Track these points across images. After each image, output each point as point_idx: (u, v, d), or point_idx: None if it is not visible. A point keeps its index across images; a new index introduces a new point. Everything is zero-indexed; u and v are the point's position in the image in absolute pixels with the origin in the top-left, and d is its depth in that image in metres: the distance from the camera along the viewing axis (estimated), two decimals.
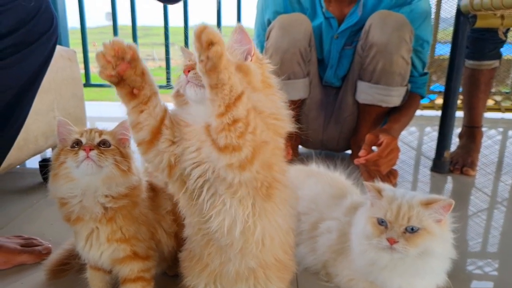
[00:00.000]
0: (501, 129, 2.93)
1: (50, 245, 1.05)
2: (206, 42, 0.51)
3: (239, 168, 0.59)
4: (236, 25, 0.65)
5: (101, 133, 0.77)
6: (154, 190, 0.86)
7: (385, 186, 0.88)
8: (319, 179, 1.13)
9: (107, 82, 0.62)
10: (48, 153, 1.80)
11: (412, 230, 0.78)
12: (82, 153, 0.73)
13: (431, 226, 0.79)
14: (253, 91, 0.61)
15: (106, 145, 0.76)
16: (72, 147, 0.75)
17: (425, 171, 1.89)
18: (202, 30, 0.51)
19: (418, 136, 2.66)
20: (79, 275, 0.89)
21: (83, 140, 0.76)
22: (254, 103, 0.59)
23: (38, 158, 1.61)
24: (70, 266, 0.93)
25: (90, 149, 0.73)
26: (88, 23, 3.13)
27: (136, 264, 0.80)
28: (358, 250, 0.85)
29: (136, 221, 0.79)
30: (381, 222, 0.81)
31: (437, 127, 2.83)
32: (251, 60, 0.64)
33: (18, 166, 1.70)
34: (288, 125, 0.66)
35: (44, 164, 1.54)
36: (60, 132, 0.78)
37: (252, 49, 0.64)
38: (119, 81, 0.61)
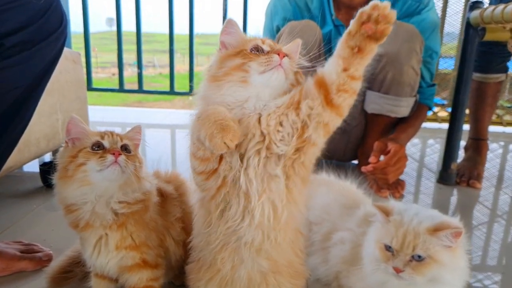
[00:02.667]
0: (502, 143, 2.93)
1: (51, 252, 1.02)
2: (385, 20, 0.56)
3: (325, 134, 0.65)
4: (298, 40, 0.77)
5: (121, 137, 0.75)
6: (162, 195, 0.83)
7: (394, 206, 0.85)
8: (331, 188, 1.10)
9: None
10: (47, 157, 1.76)
11: (419, 258, 0.76)
12: (110, 157, 0.70)
13: (439, 254, 0.76)
14: None
15: (127, 151, 0.74)
16: (93, 149, 0.71)
17: (428, 183, 1.87)
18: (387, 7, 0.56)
19: (421, 148, 2.65)
20: (82, 283, 0.86)
21: (106, 143, 0.73)
22: None
23: (37, 161, 1.58)
24: (73, 274, 0.89)
25: (119, 154, 0.70)
26: (90, 29, 3.12)
27: (145, 273, 0.77)
28: (369, 270, 0.83)
29: (147, 226, 0.77)
30: (388, 248, 0.79)
31: (439, 140, 2.86)
32: None
33: (17, 170, 1.66)
34: None
35: (45, 169, 1.50)
36: (70, 130, 0.74)
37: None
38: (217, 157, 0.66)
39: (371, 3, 0.56)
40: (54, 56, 0.99)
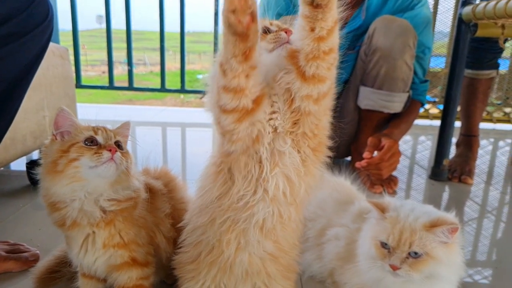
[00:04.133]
0: (492, 140, 2.95)
1: (37, 252, 0.99)
2: None
3: (315, 101, 0.61)
4: None
5: (115, 133, 0.72)
6: (151, 191, 0.81)
7: (389, 203, 0.84)
8: (325, 184, 1.09)
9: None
10: (35, 155, 1.73)
11: (415, 255, 0.75)
12: (107, 154, 0.67)
13: (435, 251, 0.75)
14: None
15: (120, 147, 0.72)
16: (86, 144, 0.68)
17: (419, 179, 1.88)
18: None
19: (412, 145, 2.66)
20: (70, 284, 0.83)
21: (100, 139, 0.70)
22: None
23: (24, 159, 1.54)
24: (61, 274, 0.86)
25: (116, 151, 0.68)
26: (79, 26, 3.08)
27: (135, 271, 0.75)
28: (365, 267, 0.83)
29: (136, 224, 0.74)
30: (384, 245, 0.78)
31: (431, 136, 2.88)
32: None
33: (2, 168, 1.62)
34: None
35: (32, 167, 1.47)
36: (59, 122, 0.70)
37: None
38: (244, 34, 0.53)
39: None
40: (40, 49, 0.97)
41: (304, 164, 0.65)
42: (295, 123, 0.63)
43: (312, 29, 0.55)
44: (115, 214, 0.70)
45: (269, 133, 0.63)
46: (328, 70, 0.59)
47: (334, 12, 0.55)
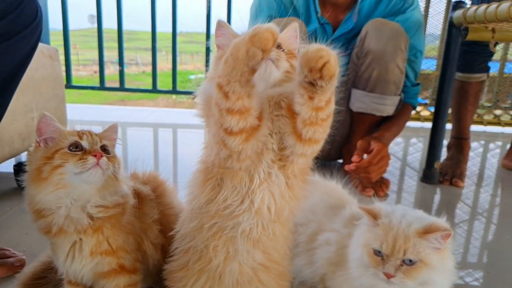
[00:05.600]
0: (483, 142, 2.98)
1: (24, 257, 0.97)
2: (329, 76, 0.53)
3: (307, 157, 0.64)
4: (294, 24, 0.72)
5: (101, 137, 0.71)
6: (139, 197, 0.79)
7: (381, 209, 0.83)
8: (316, 188, 1.08)
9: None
10: (24, 156, 1.70)
11: (410, 262, 0.75)
12: (92, 159, 0.65)
13: (429, 257, 0.75)
14: None
15: (107, 152, 0.70)
16: (70, 150, 0.67)
17: (410, 181, 1.89)
18: (325, 64, 0.52)
19: (403, 147, 2.67)
20: None
21: (85, 144, 0.68)
22: None
23: (11, 161, 1.51)
24: (47, 280, 0.85)
25: (101, 156, 0.66)
26: (70, 25, 3.05)
27: (123, 278, 0.73)
28: (356, 274, 0.82)
29: (124, 230, 0.73)
30: (377, 253, 0.77)
31: (422, 138, 2.89)
32: None
33: None
34: None
35: (20, 169, 1.44)
36: (42, 129, 0.69)
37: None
38: (255, 69, 0.54)
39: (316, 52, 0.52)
40: (28, 51, 0.95)
41: (290, 188, 0.66)
42: (281, 160, 0.64)
43: (311, 98, 0.56)
44: (103, 221, 0.69)
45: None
46: (324, 133, 0.61)
47: (333, 87, 0.57)
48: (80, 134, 0.69)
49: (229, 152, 0.60)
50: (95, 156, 0.66)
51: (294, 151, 0.62)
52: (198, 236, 0.68)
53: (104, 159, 0.66)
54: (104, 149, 0.70)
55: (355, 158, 1.48)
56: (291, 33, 0.73)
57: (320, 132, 0.59)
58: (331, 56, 0.52)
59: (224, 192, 0.64)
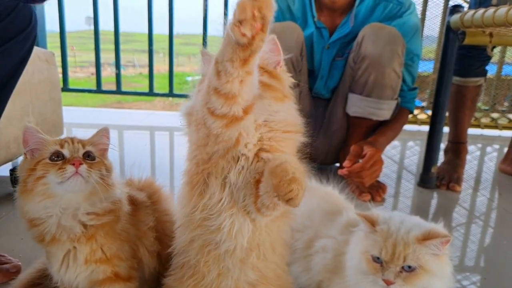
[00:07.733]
0: (480, 145, 2.98)
1: (19, 263, 0.96)
2: (294, 205, 0.57)
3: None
4: (271, 36, 0.66)
5: (84, 143, 0.70)
6: (134, 203, 0.79)
7: (379, 215, 0.83)
8: (313, 193, 1.08)
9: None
10: (20, 161, 1.68)
11: (409, 268, 0.74)
12: (70, 168, 0.65)
13: (429, 263, 0.75)
14: (283, 98, 0.66)
15: (91, 158, 0.69)
16: (52, 159, 0.67)
17: (407, 185, 1.89)
18: (293, 198, 0.55)
19: (400, 150, 2.68)
20: None
21: (66, 152, 0.68)
22: (275, 114, 0.65)
23: (8, 166, 1.50)
24: (42, 287, 0.84)
25: (80, 164, 0.65)
26: (67, 27, 3.04)
27: (118, 286, 0.73)
28: (354, 281, 0.81)
29: (119, 238, 0.73)
30: (376, 260, 0.77)
31: (419, 142, 2.89)
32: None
33: None
34: (302, 137, 0.71)
35: (16, 174, 1.43)
36: (27, 141, 0.69)
37: (281, 61, 0.68)
38: (246, 45, 0.52)
39: None
40: (23, 56, 0.95)
41: (257, 226, 0.67)
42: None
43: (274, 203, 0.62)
44: (96, 229, 0.69)
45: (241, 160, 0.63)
46: (278, 211, 0.64)
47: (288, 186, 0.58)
48: (62, 142, 0.69)
49: (207, 132, 0.60)
50: (73, 164, 0.65)
51: (253, 216, 0.64)
52: (189, 250, 0.68)
53: (83, 166, 0.66)
54: (88, 155, 0.69)
55: (346, 163, 1.48)
56: (268, 46, 0.68)
57: (274, 213, 0.64)
58: (301, 189, 0.55)
59: (209, 192, 0.64)
